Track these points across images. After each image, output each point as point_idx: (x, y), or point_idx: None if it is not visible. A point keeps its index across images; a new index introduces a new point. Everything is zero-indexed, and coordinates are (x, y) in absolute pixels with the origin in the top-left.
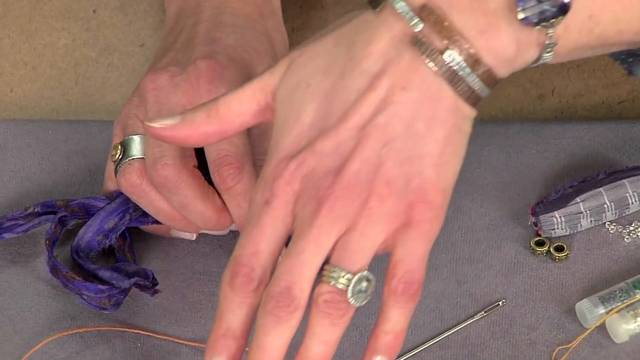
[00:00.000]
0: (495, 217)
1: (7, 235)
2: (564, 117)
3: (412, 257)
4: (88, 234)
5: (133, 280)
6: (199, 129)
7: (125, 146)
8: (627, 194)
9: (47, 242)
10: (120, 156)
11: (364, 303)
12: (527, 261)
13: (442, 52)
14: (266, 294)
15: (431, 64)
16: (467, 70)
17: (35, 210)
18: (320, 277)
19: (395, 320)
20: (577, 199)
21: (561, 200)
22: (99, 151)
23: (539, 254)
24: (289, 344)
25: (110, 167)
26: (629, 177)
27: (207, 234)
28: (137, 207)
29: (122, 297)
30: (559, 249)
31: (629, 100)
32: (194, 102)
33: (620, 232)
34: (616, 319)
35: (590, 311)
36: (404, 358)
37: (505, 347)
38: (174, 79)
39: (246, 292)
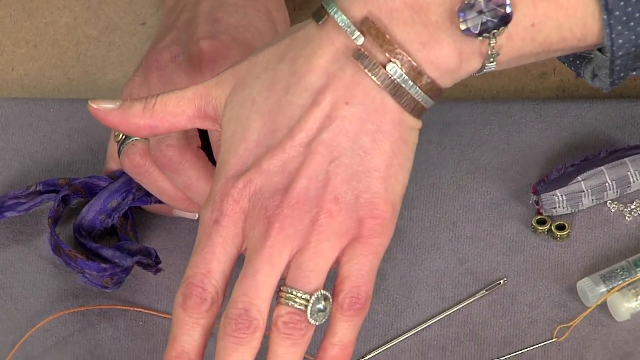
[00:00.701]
0: (497, 196)
1: (9, 214)
2: (566, 96)
3: (360, 272)
4: (91, 213)
5: (136, 258)
6: (131, 119)
7: None
8: (629, 173)
9: (49, 220)
10: (124, 137)
11: (324, 321)
12: (528, 240)
13: (384, 66)
14: (225, 317)
15: (374, 78)
16: (410, 83)
17: (38, 189)
18: (277, 298)
19: (343, 333)
20: (579, 178)
21: (563, 179)
22: (101, 130)
23: (540, 232)
24: None
25: (113, 146)
26: (631, 155)
27: None
28: (140, 187)
29: (124, 275)
30: (561, 227)
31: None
32: (197, 83)
33: (622, 210)
34: (618, 297)
35: (592, 290)
36: (405, 337)
37: (507, 325)
38: (177, 59)
39: (199, 313)
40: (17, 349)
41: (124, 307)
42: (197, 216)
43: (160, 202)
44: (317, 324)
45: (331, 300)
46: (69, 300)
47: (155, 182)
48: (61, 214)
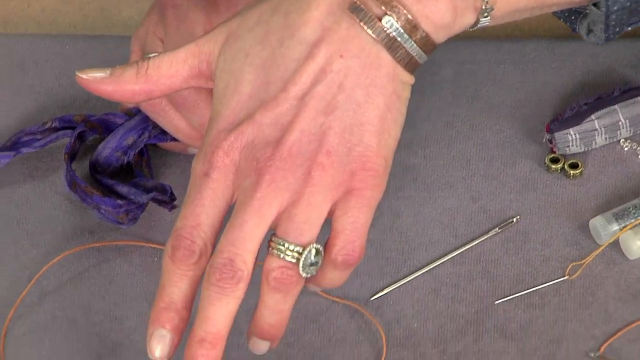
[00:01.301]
0: (510, 134)
1: (25, 150)
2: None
3: (354, 225)
4: (107, 149)
5: (151, 195)
6: (125, 86)
7: None
8: None
9: (65, 156)
10: None
11: (314, 273)
12: (541, 178)
13: (380, 19)
14: (210, 266)
15: (369, 31)
16: (405, 36)
17: (53, 125)
18: (268, 248)
19: (331, 281)
20: (592, 117)
21: (576, 117)
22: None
23: (553, 171)
24: (233, 317)
25: None
26: None
27: None
28: (155, 125)
29: (139, 212)
30: (574, 166)
31: None
32: (213, 22)
33: (635, 149)
34: (630, 235)
35: (604, 228)
36: (418, 274)
37: (519, 263)
38: None
39: (187, 265)
40: (32, 283)
41: (138, 243)
42: None
43: (175, 139)
44: (309, 276)
45: (323, 253)
46: (84, 236)
47: (170, 120)
48: (77, 150)
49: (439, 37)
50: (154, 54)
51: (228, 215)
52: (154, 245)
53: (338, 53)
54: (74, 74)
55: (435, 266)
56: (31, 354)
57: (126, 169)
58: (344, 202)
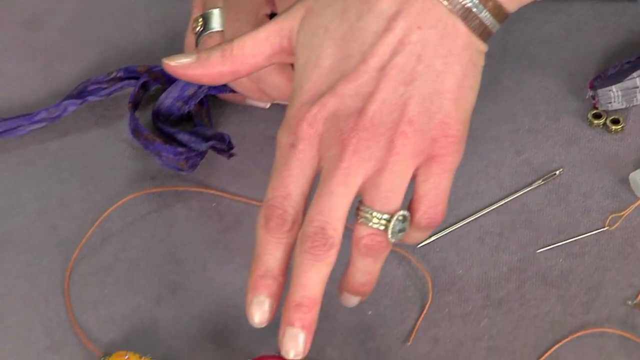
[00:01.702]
0: (555, 90)
1: (90, 99)
2: None
3: (436, 191)
4: (168, 99)
5: (210, 143)
6: (212, 68)
7: (205, 19)
8: None
9: (129, 105)
10: (201, 29)
11: (401, 238)
12: (584, 133)
13: None
14: (302, 234)
15: (445, 2)
16: (480, 6)
17: (118, 75)
18: (356, 217)
19: (416, 238)
20: (634, 74)
21: (618, 75)
22: (178, 21)
23: (595, 126)
24: (326, 281)
25: (191, 37)
26: None
27: (279, 103)
28: None
29: (198, 159)
30: (615, 121)
31: None
32: None
33: None
34: None
35: None
36: (464, 223)
37: (561, 214)
38: None
39: (281, 233)
40: (96, 226)
41: (198, 189)
42: (268, 105)
43: (234, 91)
44: (397, 241)
45: (409, 218)
46: (146, 181)
47: None
48: (140, 99)
49: (511, 6)
50: (215, 26)
51: (316, 182)
52: (213, 192)
53: (415, 25)
54: (138, 27)
55: (481, 216)
56: (94, 293)
57: (187, 118)
58: (425, 167)
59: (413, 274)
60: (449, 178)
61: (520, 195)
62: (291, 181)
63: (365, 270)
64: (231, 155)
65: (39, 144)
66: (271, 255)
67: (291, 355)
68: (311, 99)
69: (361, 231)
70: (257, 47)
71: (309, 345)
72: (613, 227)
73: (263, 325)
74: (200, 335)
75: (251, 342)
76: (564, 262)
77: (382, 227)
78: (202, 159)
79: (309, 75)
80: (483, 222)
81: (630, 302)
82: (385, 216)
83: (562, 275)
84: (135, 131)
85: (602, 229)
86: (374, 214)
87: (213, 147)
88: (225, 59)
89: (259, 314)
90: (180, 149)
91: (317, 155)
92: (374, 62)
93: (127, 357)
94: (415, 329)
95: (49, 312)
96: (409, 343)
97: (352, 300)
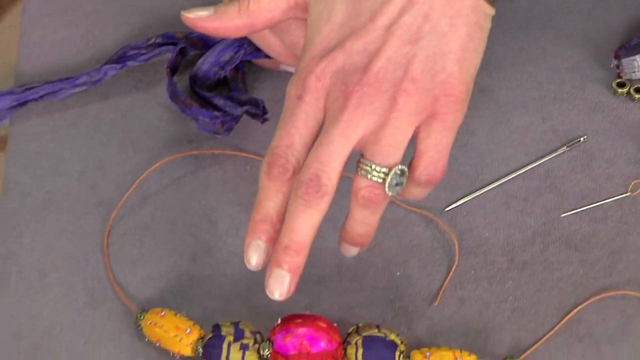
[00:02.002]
0: (580, 59)
1: (130, 63)
2: None
3: (437, 147)
4: (205, 64)
5: (245, 108)
6: (229, 22)
7: None
8: None
9: (167, 70)
10: None
11: (399, 192)
12: (608, 101)
13: None
14: (297, 180)
15: None
16: None
17: (157, 41)
18: (356, 169)
19: (416, 194)
20: None
21: None
22: None
23: (619, 94)
24: (317, 228)
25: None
26: None
27: None
28: (250, 43)
29: (234, 123)
30: (639, 90)
31: None
32: None
33: None
34: None
35: None
36: (490, 187)
37: (585, 179)
38: None
39: (282, 181)
40: (134, 187)
41: (232, 152)
42: None
43: (268, 57)
44: (394, 194)
45: (407, 173)
46: (183, 144)
47: (265, 39)
48: (178, 64)
49: None
50: None
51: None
52: (247, 155)
53: None
54: None
55: (507, 181)
56: (132, 251)
57: (223, 83)
58: (427, 125)
59: (440, 237)
60: (449, 136)
61: (545, 161)
62: (296, 132)
63: (363, 221)
64: (265, 120)
65: (80, 107)
66: (271, 202)
67: (275, 295)
68: (321, 53)
69: (360, 183)
70: (273, 1)
71: (293, 287)
72: (635, 193)
73: (259, 269)
74: (233, 293)
75: (281, 301)
76: (587, 227)
77: (380, 180)
78: (237, 123)
79: (320, 30)
80: (509, 187)
81: None
82: (384, 169)
83: (585, 239)
84: (173, 95)
85: (624, 195)
86: (373, 166)
87: (248, 112)
88: (242, 12)
89: (255, 257)
90: (216, 113)
91: (322, 108)
92: (383, 20)
93: (163, 313)
94: (442, 290)
95: (88, 269)
96: (436, 303)
97: (351, 251)
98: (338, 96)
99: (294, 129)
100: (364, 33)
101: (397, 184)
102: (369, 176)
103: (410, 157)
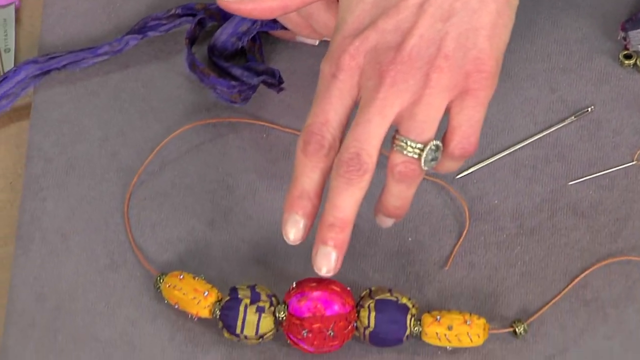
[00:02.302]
0: (588, 31)
1: (151, 34)
2: None
3: (470, 122)
4: (223, 35)
5: (261, 78)
6: (263, 3)
7: None
8: None
9: (186, 41)
10: None
11: (434, 167)
12: (615, 72)
13: None
14: (338, 159)
15: None
16: None
17: (177, 12)
18: (392, 145)
19: (450, 168)
20: None
21: None
22: None
23: (626, 66)
24: (359, 205)
25: None
26: None
27: (328, 40)
28: None
29: (251, 92)
30: None
31: None
32: None
33: None
34: None
35: None
36: (500, 156)
37: (592, 148)
38: None
39: (318, 158)
40: (154, 154)
41: (249, 121)
42: (317, 42)
43: (285, 28)
44: (428, 169)
45: (442, 148)
46: (202, 113)
47: None
48: (197, 35)
49: None
50: None
51: (354, 112)
52: (263, 123)
53: None
54: None
55: (516, 149)
56: (151, 216)
57: (240, 54)
58: (459, 101)
59: (451, 204)
60: (481, 111)
61: (554, 130)
62: (330, 109)
63: (399, 195)
64: (281, 90)
65: (101, 76)
66: (308, 178)
67: (323, 271)
68: (354, 32)
69: (396, 159)
70: None
71: (339, 263)
72: None
73: (297, 243)
74: (249, 257)
75: (297, 265)
76: (594, 194)
77: (415, 156)
78: (254, 92)
79: (352, 10)
80: (518, 155)
81: None
82: (419, 145)
83: (592, 206)
84: (192, 65)
85: (630, 163)
86: (409, 142)
87: (264, 82)
88: None
89: (293, 231)
90: (233, 83)
91: (356, 86)
92: None
93: (181, 277)
94: (453, 255)
95: (109, 233)
96: (447, 268)
97: (387, 222)
98: (372, 75)
99: (329, 106)
100: (395, 12)
101: (432, 159)
102: (404, 152)
103: (442, 131)
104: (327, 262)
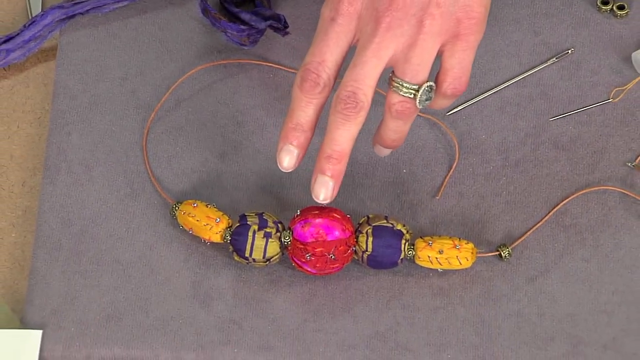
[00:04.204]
0: None
1: None
2: None
3: (461, 65)
4: None
5: (268, 22)
6: None
7: None
8: None
9: None
10: None
11: (428, 105)
12: (593, 17)
13: None
14: (336, 97)
15: None
16: None
17: None
18: (389, 86)
19: (442, 105)
20: None
21: None
22: None
23: (603, 11)
24: (355, 139)
25: None
26: None
27: None
28: None
29: (259, 36)
30: (621, 7)
31: None
32: None
33: None
34: None
35: None
36: (487, 94)
37: (572, 87)
38: None
39: (313, 94)
40: (170, 92)
41: (258, 62)
42: None
43: None
44: (422, 107)
45: (434, 89)
46: (214, 54)
47: None
48: None
49: None
50: None
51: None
52: (270, 64)
53: None
54: None
55: (502, 88)
56: (167, 149)
57: (249, 0)
58: (451, 45)
59: (442, 138)
60: (471, 54)
61: (536, 71)
62: (327, 50)
63: (396, 130)
64: (286, 33)
65: (122, 20)
66: (302, 112)
67: (320, 198)
68: None
69: (393, 98)
70: None
71: (336, 192)
72: (617, 100)
73: (289, 170)
74: (257, 187)
75: (301, 194)
76: (573, 129)
77: (411, 96)
78: (261, 35)
79: None
80: (504, 94)
81: (629, 164)
82: (415, 86)
83: (571, 140)
84: (205, 10)
85: (607, 101)
86: (404, 84)
87: (271, 26)
88: None
89: (287, 159)
90: (242, 27)
91: (354, 30)
92: None
93: (195, 204)
94: (444, 185)
95: (129, 165)
96: (438, 197)
97: (384, 152)
98: (369, 20)
99: (326, 47)
100: None
101: (427, 99)
102: (400, 92)
103: (434, 72)
104: (324, 190)
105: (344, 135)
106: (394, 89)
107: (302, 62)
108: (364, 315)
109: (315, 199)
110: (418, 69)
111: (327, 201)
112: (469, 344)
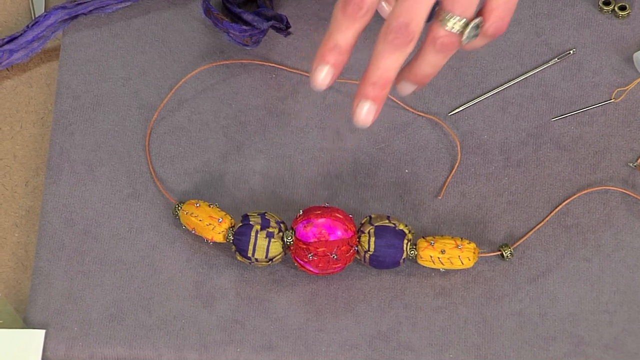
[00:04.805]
0: None
1: None
2: None
3: (506, 5)
4: None
5: (270, 22)
6: None
7: None
8: None
9: None
10: None
11: (471, 42)
12: (595, 18)
13: None
14: (386, 26)
15: None
16: None
17: None
18: (436, 18)
19: (478, 45)
20: None
21: None
22: None
23: (605, 12)
24: (399, 69)
25: None
26: None
27: None
28: None
29: (261, 36)
30: (622, 8)
31: None
32: None
33: None
34: None
35: None
36: (489, 94)
37: (574, 87)
38: None
39: (355, 18)
40: (173, 92)
41: (260, 62)
42: None
43: None
44: (467, 43)
45: (481, 24)
46: (216, 54)
47: None
48: None
49: None
50: None
51: None
52: (272, 64)
53: None
54: None
55: (504, 89)
56: (170, 149)
57: (251, 0)
58: None
59: (444, 139)
60: None
61: (538, 71)
62: None
63: (434, 63)
64: (288, 34)
65: (125, 21)
66: (342, 34)
67: (362, 121)
68: None
69: (439, 31)
70: None
71: (376, 116)
72: (618, 100)
73: (322, 89)
74: (260, 187)
75: (303, 194)
76: (575, 129)
77: (458, 30)
78: (263, 36)
79: None
80: (506, 94)
81: (631, 164)
82: (463, 21)
83: (573, 140)
84: (207, 11)
85: (608, 101)
86: (453, 18)
87: (273, 26)
88: None
89: (322, 75)
90: (245, 27)
91: None
92: None
93: (198, 204)
94: (446, 185)
95: (132, 165)
96: (440, 197)
97: (409, 88)
98: None
99: None
100: None
101: (474, 35)
102: (448, 25)
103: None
104: (367, 114)
105: (391, 64)
106: (441, 22)
107: None
108: (366, 315)
109: (356, 123)
110: (468, 4)
111: (368, 125)
112: (471, 344)
